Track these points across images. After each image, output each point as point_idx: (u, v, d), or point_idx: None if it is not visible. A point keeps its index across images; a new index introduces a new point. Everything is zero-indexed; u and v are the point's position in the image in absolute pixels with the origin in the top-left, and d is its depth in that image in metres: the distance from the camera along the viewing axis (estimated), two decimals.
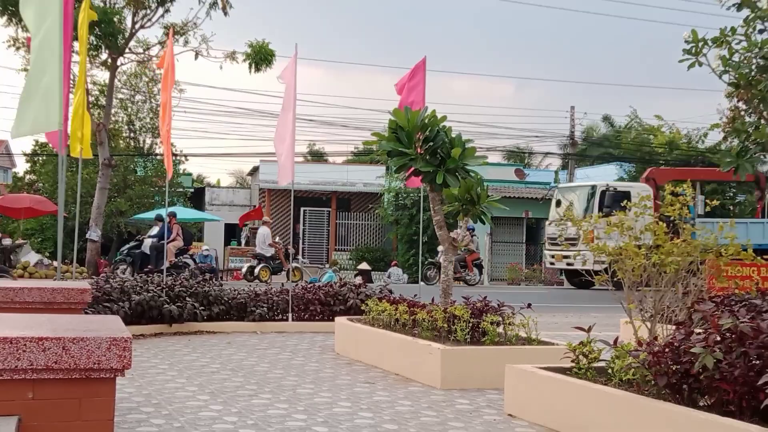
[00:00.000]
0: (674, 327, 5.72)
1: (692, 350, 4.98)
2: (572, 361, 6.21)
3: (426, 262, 28.47)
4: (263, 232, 27.56)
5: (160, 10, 26.31)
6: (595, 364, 6.15)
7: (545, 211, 37.53)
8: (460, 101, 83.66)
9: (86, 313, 7.09)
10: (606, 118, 49.61)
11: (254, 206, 39.99)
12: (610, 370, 5.83)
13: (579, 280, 26.16)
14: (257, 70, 26.01)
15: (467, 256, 28.37)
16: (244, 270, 27.38)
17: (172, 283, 12.63)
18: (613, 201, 25.35)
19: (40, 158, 40.06)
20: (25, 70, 25.46)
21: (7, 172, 56.48)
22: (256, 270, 26.61)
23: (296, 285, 14.32)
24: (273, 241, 26.10)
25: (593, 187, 27.80)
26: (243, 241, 36.89)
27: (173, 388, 7.54)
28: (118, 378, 3.45)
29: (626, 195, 24.72)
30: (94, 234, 25.42)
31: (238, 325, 12.51)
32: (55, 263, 22.95)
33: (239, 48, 26.32)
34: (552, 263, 29.07)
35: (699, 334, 5.13)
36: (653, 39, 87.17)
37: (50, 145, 10.83)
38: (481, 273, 29.47)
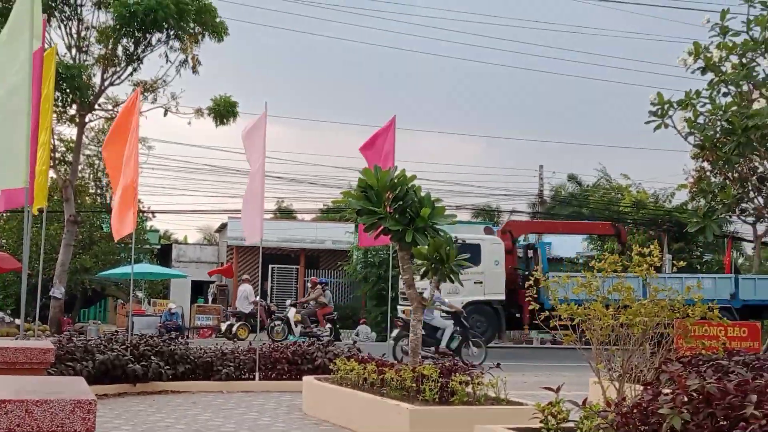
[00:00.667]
0: (642, 387, 5.72)
1: (660, 411, 4.98)
2: (541, 422, 6.17)
3: (273, 318, 26.35)
4: (245, 289, 27.21)
5: (130, 68, 26.41)
6: (564, 425, 6.12)
7: None
8: (430, 159, 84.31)
9: (49, 373, 6.97)
10: (572, 177, 50.14)
11: (222, 263, 39.81)
12: (578, 431, 5.80)
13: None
14: (222, 123, 26.40)
15: (318, 310, 26.10)
16: (223, 328, 27.01)
17: (137, 342, 12.47)
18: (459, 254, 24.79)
19: (4, 215, 39.67)
20: None
21: None
22: (234, 328, 26.31)
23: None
24: (256, 299, 25.70)
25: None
26: (210, 299, 36.61)
27: None
28: None
29: (475, 247, 24.96)
30: (58, 291, 25.08)
31: (204, 384, 12.34)
32: (17, 321, 22.63)
33: (208, 103, 26.50)
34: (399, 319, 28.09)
35: (667, 394, 5.14)
36: (622, 99, 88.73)
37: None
38: (334, 328, 27.04)
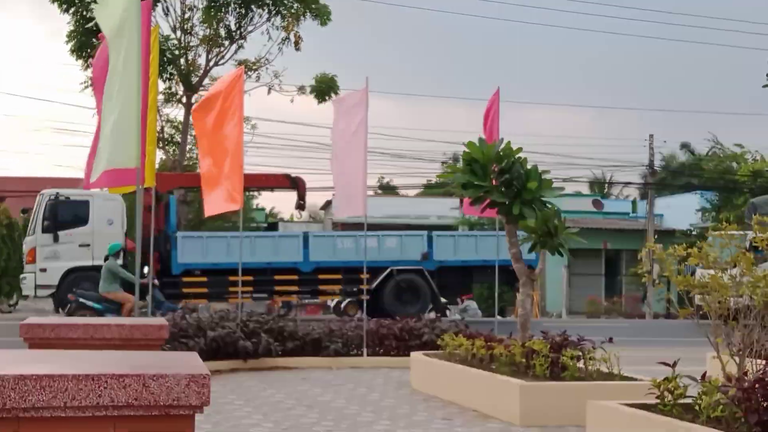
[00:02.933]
0: (764, 362, 5.51)
1: None
2: (657, 398, 6.01)
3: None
4: None
5: (234, 47, 26.85)
6: (681, 401, 5.94)
7: (625, 241, 36.94)
8: (536, 132, 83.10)
9: (163, 349, 7.14)
10: (684, 146, 48.58)
11: None
12: (696, 407, 5.62)
13: None
14: (323, 100, 26.71)
15: None
16: (332, 304, 27.50)
17: (247, 319, 12.70)
18: (58, 212, 21.60)
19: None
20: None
21: None
22: (344, 305, 26.68)
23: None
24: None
25: (41, 195, 22.26)
26: None
27: (249, 424, 7.53)
28: (196, 414, 3.43)
29: (82, 205, 21.72)
30: None
31: (312, 360, 12.50)
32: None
33: (309, 81, 26.83)
34: None
35: None
36: (734, 65, 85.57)
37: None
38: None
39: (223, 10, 25.55)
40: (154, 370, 3.37)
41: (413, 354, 10.81)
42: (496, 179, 9.01)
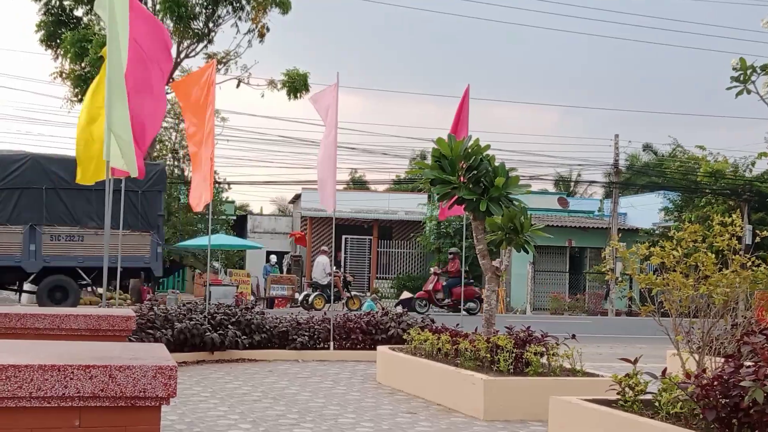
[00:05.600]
0: (723, 360, 5.61)
1: (742, 384, 4.88)
2: (618, 394, 6.11)
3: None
4: (322, 261, 27.56)
5: (204, 41, 26.81)
6: (642, 397, 6.04)
7: (589, 239, 37.30)
8: (504, 129, 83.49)
9: (130, 340, 7.14)
10: (647, 147, 49.15)
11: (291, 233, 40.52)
12: (656, 403, 5.73)
13: None
14: (294, 96, 26.81)
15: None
16: (299, 298, 27.64)
17: (214, 312, 12.69)
18: None
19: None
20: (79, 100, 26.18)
21: None
22: (311, 298, 26.72)
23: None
24: (332, 271, 26.16)
25: None
26: (285, 269, 37.05)
27: (215, 416, 7.54)
28: (162, 406, 3.45)
29: None
30: None
31: (279, 353, 12.51)
32: (99, 290, 23.21)
33: (280, 77, 26.90)
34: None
35: (749, 367, 5.03)
36: (702, 68, 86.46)
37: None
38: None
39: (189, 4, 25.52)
40: (120, 362, 3.39)
41: (379, 348, 10.87)
42: (464, 176, 9.08)
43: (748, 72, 8.50)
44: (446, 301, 26.88)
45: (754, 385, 4.74)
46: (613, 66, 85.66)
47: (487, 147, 9.19)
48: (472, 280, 28.21)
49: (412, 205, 39.70)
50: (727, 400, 5.01)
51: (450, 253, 28.46)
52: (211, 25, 26.42)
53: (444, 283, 27.20)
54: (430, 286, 27.50)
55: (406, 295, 31.05)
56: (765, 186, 32.07)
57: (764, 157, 10.16)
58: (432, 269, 28.94)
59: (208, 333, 11.92)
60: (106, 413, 3.34)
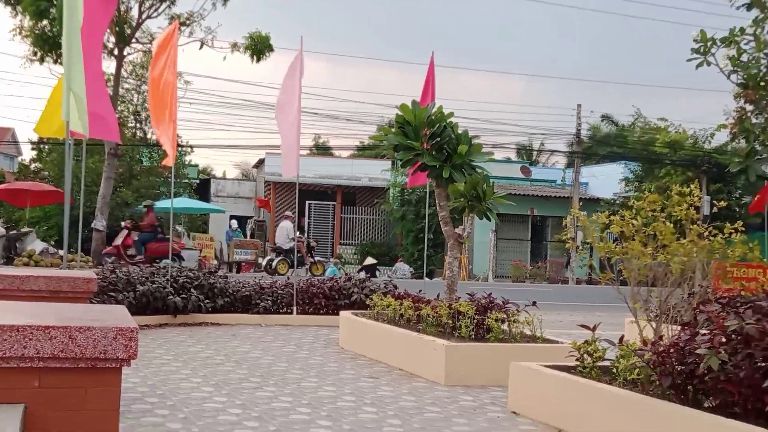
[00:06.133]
0: (679, 327, 5.72)
1: (697, 351, 4.98)
2: (577, 360, 6.21)
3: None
4: (286, 226, 27.53)
5: (167, 1, 26.43)
6: (600, 363, 6.15)
7: (551, 208, 37.58)
8: (469, 96, 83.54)
9: (92, 302, 7.10)
10: (606, 117, 49.48)
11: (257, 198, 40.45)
12: (614, 370, 5.83)
13: None
14: (257, 60, 26.68)
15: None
16: (263, 263, 27.59)
17: (177, 275, 12.64)
18: None
19: (46, 146, 40.06)
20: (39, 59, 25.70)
21: (12, 160, 56.46)
22: (275, 263, 26.70)
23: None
24: (296, 236, 26.08)
25: None
26: (249, 233, 36.93)
27: (178, 379, 7.55)
28: (123, 368, 3.45)
29: None
30: (100, 223, 25.45)
31: (242, 317, 12.52)
32: (60, 252, 22.98)
33: (243, 41, 26.64)
34: None
35: (704, 335, 5.13)
36: (663, 38, 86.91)
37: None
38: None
39: None
40: (80, 323, 3.38)
41: (342, 313, 10.91)
42: (427, 143, 9.09)
43: (708, 44, 8.57)
44: (139, 257, 23.53)
45: (709, 352, 4.83)
46: (583, 37, 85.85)
47: (451, 114, 9.19)
48: (163, 235, 24.83)
49: (376, 172, 39.67)
50: (683, 367, 5.11)
51: (144, 206, 25.73)
52: None
53: (136, 238, 24.09)
54: (119, 241, 24.11)
55: (369, 260, 31.17)
56: (723, 158, 32.42)
57: (723, 129, 10.25)
58: (123, 223, 25.58)
59: (171, 296, 11.88)
60: (66, 374, 3.33)
